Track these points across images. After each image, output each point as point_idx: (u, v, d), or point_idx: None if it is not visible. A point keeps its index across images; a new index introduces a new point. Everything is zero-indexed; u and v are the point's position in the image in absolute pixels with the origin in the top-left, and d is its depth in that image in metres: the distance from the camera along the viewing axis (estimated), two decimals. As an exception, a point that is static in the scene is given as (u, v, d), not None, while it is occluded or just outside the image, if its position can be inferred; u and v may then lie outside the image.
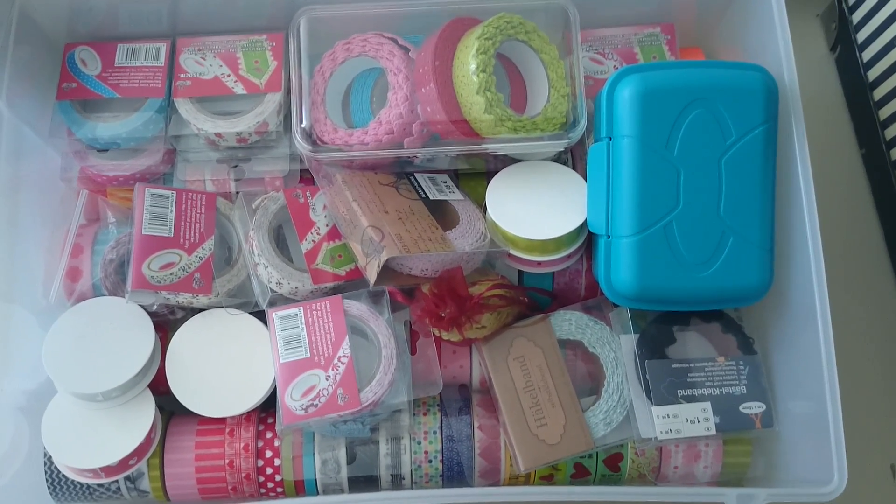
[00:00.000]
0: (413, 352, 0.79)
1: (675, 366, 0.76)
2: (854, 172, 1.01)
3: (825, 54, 1.07)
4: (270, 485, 0.78)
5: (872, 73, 0.98)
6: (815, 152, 0.75)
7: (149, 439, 0.76)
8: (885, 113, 0.96)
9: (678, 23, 0.87)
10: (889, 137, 0.96)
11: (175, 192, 0.79)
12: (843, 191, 1.01)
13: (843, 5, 1.02)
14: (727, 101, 0.72)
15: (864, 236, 0.99)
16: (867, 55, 0.99)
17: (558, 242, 0.77)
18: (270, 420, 0.79)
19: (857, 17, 1.00)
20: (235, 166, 0.83)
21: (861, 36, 1.00)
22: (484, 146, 0.76)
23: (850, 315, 0.92)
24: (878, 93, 0.97)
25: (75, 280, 0.79)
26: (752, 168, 0.73)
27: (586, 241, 0.79)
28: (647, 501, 0.70)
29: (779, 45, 0.77)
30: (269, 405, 0.79)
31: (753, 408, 0.75)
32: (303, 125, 0.77)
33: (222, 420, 0.79)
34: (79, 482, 0.77)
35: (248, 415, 0.79)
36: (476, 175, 0.85)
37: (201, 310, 0.79)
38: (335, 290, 0.78)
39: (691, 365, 0.76)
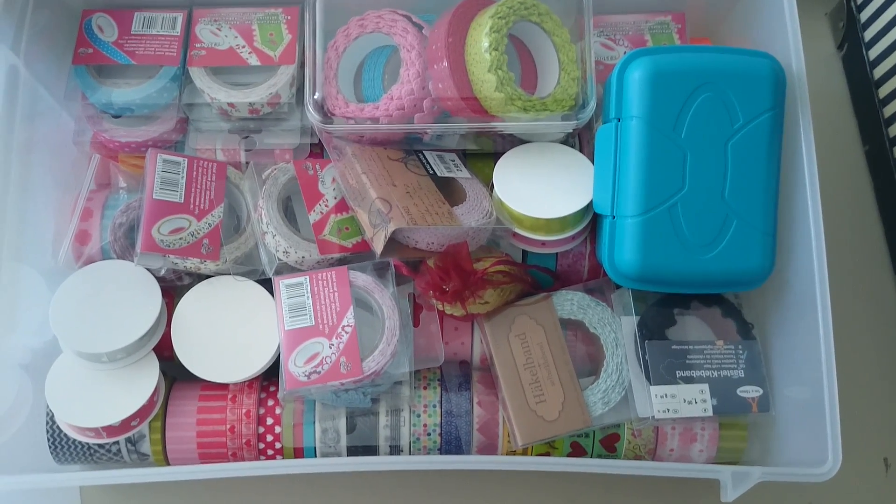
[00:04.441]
0: (416, 324, 0.79)
1: (674, 347, 0.77)
2: (857, 168, 1.02)
3: (832, 52, 1.08)
4: (270, 452, 0.79)
5: (878, 71, 0.99)
6: (820, 147, 0.76)
7: (151, 402, 0.76)
8: (889, 111, 0.97)
9: (689, 12, 0.88)
10: (893, 135, 0.97)
11: (186, 160, 0.80)
12: (846, 185, 1.02)
13: (851, 4, 1.03)
14: (735, 86, 0.73)
15: (864, 229, 1.00)
16: (873, 53, 1.00)
17: (563, 222, 0.78)
18: (272, 388, 0.80)
19: (864, 15, 1.01)
20: (247, 137, 0.84)
21: (868, 34, 1.01)
22: (493, 124, 0.77)
23: (848, 305, 0.93)
24: (884, 91, 0.98)
25: (84, 243, 0.80)
26: (758, 153, 0.74)
27: (590, 224, 0.80)
28: (642, 475, 0.71)
29: (788, 35, 0.78)
30: (271, 374, 0.79)
31: (750, 392, 0.76)
32: (315, 97, 0.78)
33: (225, 386, 0.79)
34: (80, 443, 0.78)
35: (251, 382, 0.80)
36: (483, 156, 0.86)
37: (208, 276, 0.80)
38: (341, 262, 0.79)
39: (690, 347, 0.77)
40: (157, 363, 0.77)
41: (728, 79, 0.73)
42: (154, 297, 0.77)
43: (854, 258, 0.98)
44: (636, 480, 0.85)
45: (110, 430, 0.75)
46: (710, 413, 0.75)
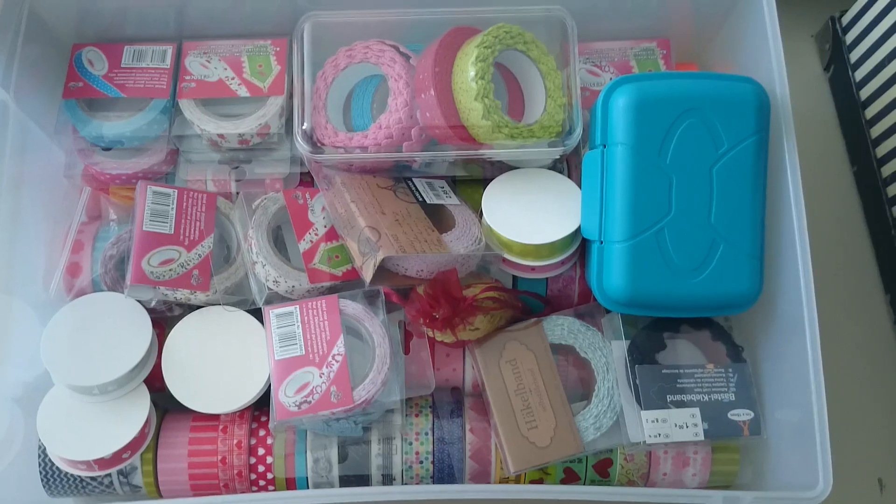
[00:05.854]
0: (407, 352, 0.80)
1: (664, 371, 0.77)
2: (846, 188, 1.03)
3: (819, 74, 1.09)
4: (262, 482, 0.79)
5: (864, 92, 1.00)
6: (808, 169, 0.77)
7: (143, 433, 0.76)
8: (876, 131, 0.98)
9: (674, 38, 0.89)
10: (880, 155, 0.98)
11: (176, 191, 0.81)
12: (835, 206, 1.02)
13: (837, 26, 1.04)
14: (719, 111, 0.74)
15: (854, 251, 1.00)
16: (860, 74, 1.01)
17: (552, 248, 0.78)
18: (264, 418, 0.80)
19: (850, 37, 1.02)
20: (236, 167, 0.85)
21: (854, 56, 1.02)
22: (481, 152, 0.78)
23: (838, 327, 0.94)
24: (870, 111, 0.99)
25: (75, 276, 0.80)
26: (743, 177, 0.74)
27: (580, 249, 0.81)
28: (634, 502, 0.71)
29: (772, 61, 0.78)
30: (262, 404, 0.79)
31: (742, 415, 0.76)
32: (304, 127, 0.79)
33: (216, 417, 0.79)
34: (72, 475, 0.78)
35: (242, 412, 0.79)
36: (472, 182, 0.87)
37: (199, 307, 0.80)
38: (331, 290, 0.79)
39: (681, 371, 0.77)
40: (147, 395, 0.77)
41: (712, 104, 0.74)
42: (144, 329, 0.78)
43: (844, 279, 0.99)
44: (629, 506, 0.85)
45: (102, 462, 0.75)
46: (701, 437, 0.75)
